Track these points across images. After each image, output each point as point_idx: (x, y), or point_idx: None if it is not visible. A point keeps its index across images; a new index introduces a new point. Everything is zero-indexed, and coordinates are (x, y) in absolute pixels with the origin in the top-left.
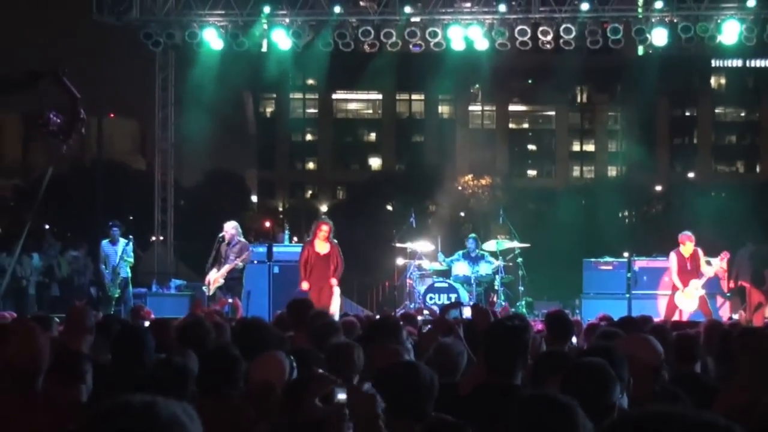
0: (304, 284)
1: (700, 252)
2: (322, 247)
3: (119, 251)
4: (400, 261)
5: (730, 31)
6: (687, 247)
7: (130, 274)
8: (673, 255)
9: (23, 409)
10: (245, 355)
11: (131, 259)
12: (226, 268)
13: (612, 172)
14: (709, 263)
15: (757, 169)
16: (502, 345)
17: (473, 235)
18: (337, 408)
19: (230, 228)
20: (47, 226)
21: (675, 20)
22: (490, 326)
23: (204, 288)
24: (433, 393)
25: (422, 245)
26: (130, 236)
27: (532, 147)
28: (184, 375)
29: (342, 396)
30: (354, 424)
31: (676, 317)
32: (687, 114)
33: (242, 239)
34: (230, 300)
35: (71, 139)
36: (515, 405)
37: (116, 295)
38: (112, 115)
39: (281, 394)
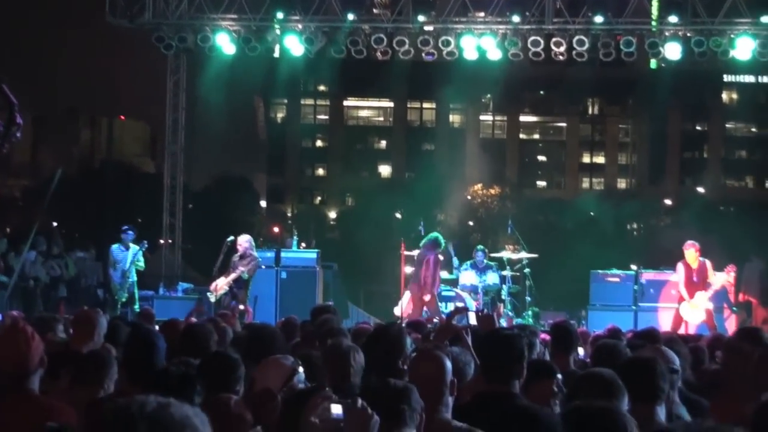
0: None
1: (708, 264)
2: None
3: (129, 257)
4: (408, 269)
5: (744, 47)
6: (691, 255)
7: (136, 278)
8: (680, 266)
9: (13, 411)
10: (251, 361)
11: (142, 264)
12: (232, 276)
13: (622, 184)
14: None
15: (767, 185)
16: (497, 353)
17: (481, 246)
18: (333, 426)
19: (244, 241)
20: (55, 224)
21: (688, 34)
22: (486, 335)
23: (209, 294)
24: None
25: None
26: (144, 241)
27: (542, 158)
28: (192, 378)
29: (338, 412)
30: None
31: (682, 330)
32: (698, 128)
33: (254, 253)
34: (241, 306)
35: (7, 145)
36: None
37: (124, 299)
38: (122, 118)
39: (281, 405)
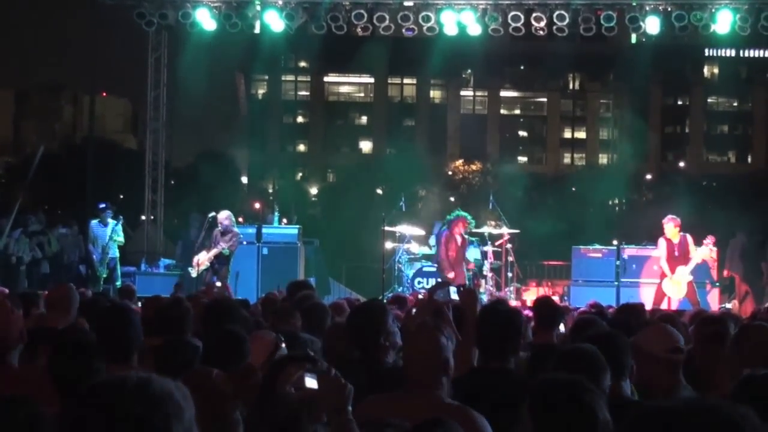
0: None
1: (690, 239)
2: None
3: (108, 232)
4: (389, 245)
5: (724, 21)
6: (671, 229)
7: (118, 254)
8: (662, 241)
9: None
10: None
11: (121, 238)
12: (213, 252)
13: (603, 159)
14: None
15: (749, 159)
16: (496, 329)
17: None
18: (307, 396)
19: (224, 218)
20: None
21: (669, 8)
22: (483, 311)
23: (190, 269)
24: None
25: (411, 229)
26: (120, 216)
27: (523, 133)
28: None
29: (312, 382)
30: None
31: (664, 305)
32: (679, 103)
33: (235, 229)
34: (218, 284)
35: None
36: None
37: (104, 275)
38: (104, 94)
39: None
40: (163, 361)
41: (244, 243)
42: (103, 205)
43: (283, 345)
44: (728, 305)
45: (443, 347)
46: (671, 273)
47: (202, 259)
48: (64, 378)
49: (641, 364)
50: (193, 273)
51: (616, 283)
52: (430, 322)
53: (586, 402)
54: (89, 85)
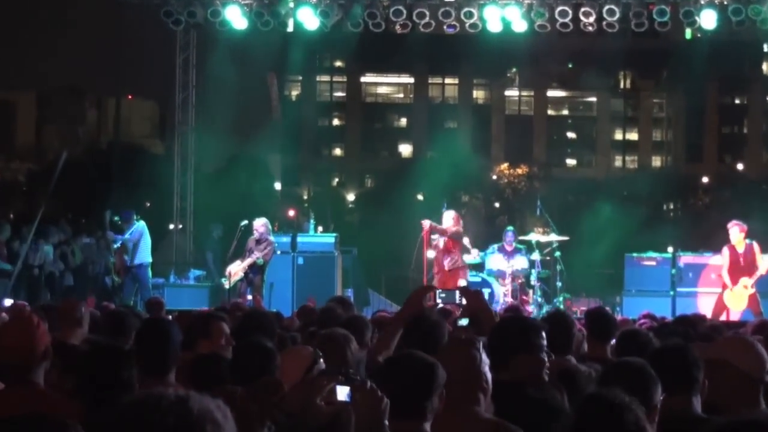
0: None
1: (756, 247)
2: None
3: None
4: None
5: None
6: (736, 235)
7: (148, 261)
8: (725, 250)
9: (18, 406)
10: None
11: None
12: (247, 261)
13: (656, 162)
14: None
15: None
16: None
17: (511, 227)
18: (341, 408)
19: (260, 225)
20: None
21: (725, 2)
22: (507, 323)
23: (224, 280)
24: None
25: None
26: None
27: (571, 135)
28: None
29: (344, 394)
30: (356, 424)
31: (723, 317)
32: (737, 102)
33: (271, 237)
34: (250, 296)
35: None
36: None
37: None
38: (130, 97)
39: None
40: (194, 376)
41: (278, 252)
42: (117, 217)
43: (321, 360)
44: None
45: (478, 361)
46: (732, 284)
47: (236, 269)
48: (91, 393)
49: (724, 381)
50: (227, 285)
51: (671, 292)
52: (462, 335)
53: (629, 421)
54: (114, 87)
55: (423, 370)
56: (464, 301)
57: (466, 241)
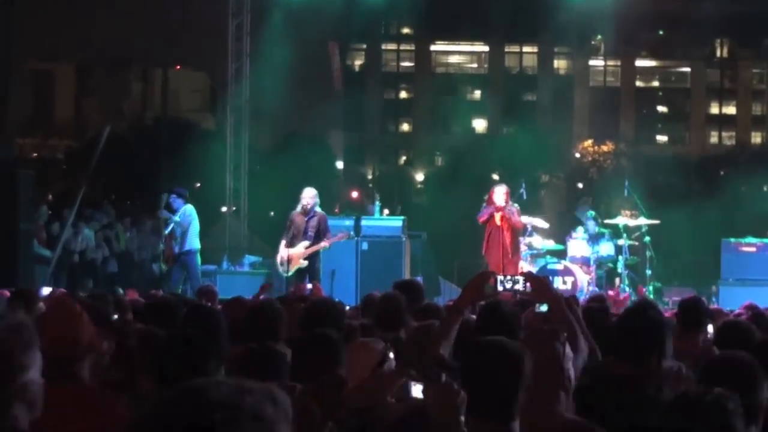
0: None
1: None
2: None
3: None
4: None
5: None
6: None
7: (197, 247)
8: None
9: (63, 403)
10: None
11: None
12: (311, 248)
13: (756, 138)
14: None
15: None
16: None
17: (592, 212)
18: (413, 406)
19: (309, 197)
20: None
21: None
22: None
23: (280, 267)
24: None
25: (534, 221)
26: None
27: (662, 109)
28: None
29: (418, 390)
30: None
31: None
32: None
33: (319, 210)
34: (309, 285)
35: None
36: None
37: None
38: (178, 67)
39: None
40: (246, 372)
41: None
42: (173, 194)
43: (392, 355)
44: None
45: (559, 356)
46: None
47: (296, 254)
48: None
49: None
50: (284, 271)
51: None
52: (543, 327)
53: (728, 423)
54: (161, 57)
55: (511, 360)
56: (528, 288)
57: (525, 219)
